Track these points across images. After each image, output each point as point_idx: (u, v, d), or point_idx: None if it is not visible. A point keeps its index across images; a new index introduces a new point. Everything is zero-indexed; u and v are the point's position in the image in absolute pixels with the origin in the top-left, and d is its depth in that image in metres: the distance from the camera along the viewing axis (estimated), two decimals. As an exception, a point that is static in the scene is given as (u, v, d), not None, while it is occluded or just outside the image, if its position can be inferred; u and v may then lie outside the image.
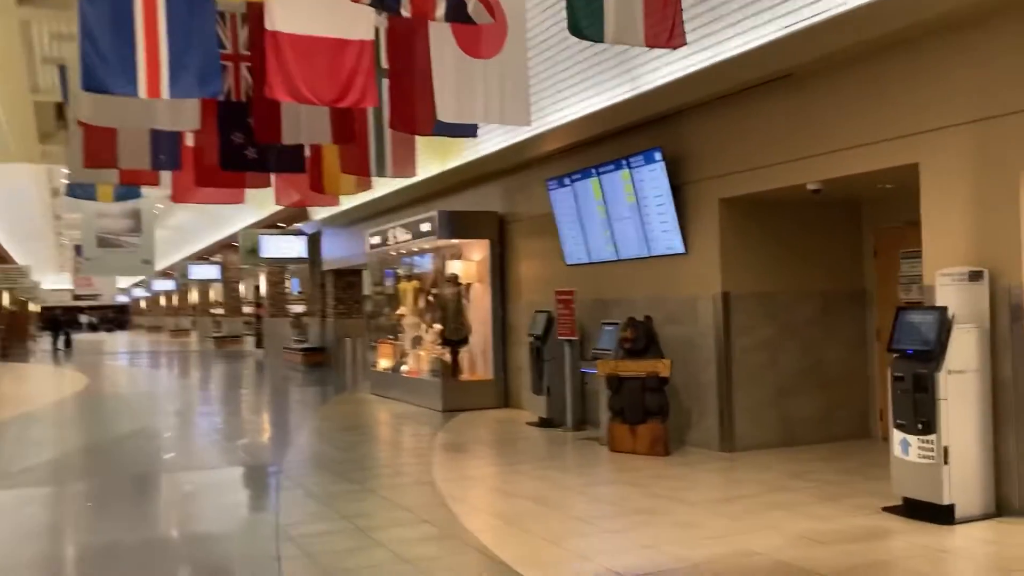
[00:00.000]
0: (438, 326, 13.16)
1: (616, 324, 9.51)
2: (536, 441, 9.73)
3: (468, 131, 7.77)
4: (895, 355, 6.07)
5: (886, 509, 6.07)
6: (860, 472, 7.44)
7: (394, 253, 14.87)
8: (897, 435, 5.99)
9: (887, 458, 8.01)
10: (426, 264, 14.48)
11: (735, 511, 6.19)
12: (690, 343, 8.90)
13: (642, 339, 8.67)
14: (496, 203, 12.83)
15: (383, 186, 13.79)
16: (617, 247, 9.87)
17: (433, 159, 12.67)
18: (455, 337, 12.57)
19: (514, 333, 12.50)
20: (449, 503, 6.75)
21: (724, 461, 8.15)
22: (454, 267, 13.09)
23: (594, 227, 10.19)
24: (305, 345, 23.48)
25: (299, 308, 31.69)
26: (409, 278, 15.10)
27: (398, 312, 15.30)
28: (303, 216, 21.74)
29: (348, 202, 15.42)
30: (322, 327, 22.96)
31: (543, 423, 10.67)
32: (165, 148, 7.93)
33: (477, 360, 13.17)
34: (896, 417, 5.99)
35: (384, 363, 15.58)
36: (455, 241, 13.02)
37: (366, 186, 9.74)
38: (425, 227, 12.84)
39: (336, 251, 21.12)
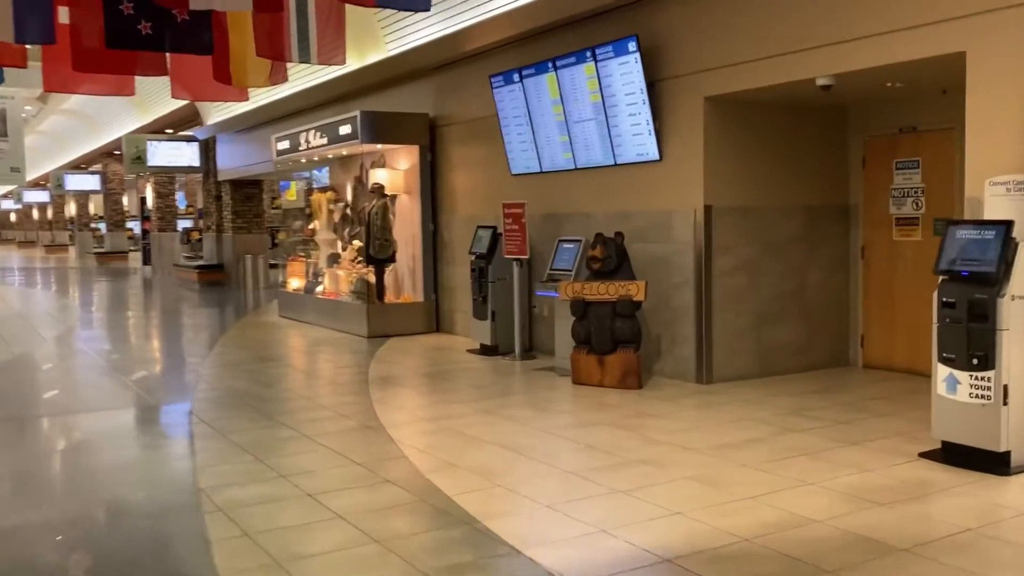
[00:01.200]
0: (358, 243, 11.81)
1: (576, 241, 8.44)
2: (484, 372, 8.64)
3: (420, 3, 6.34)
4: (943, 277, 5.19)
5: (923, 455, 5.27)
6: (863, 408, 6.66)
7: (305, 160, 13.32)
8: (942, 371, 5.13)
9: (882, 389, 7.38)
10: (343, 172, 13.00)
11: (755, 460, 5.26)
12: (662, 263, 7.90)
13: (613, 258, 7.61)
14: (426, 104, 11.41)
15: (290, 84, 12.15)
16: (575, 154, 8.71)
17: (351, 53, 11.10)
18: (381, 255, 11.24)
19: (447, 251, 11.27)
20: (408, 454, 5.62)
21: (705, 395, 7.26)
22: (378, 176, 11.68)
23: (548, 131, 8.97)
24: (200, 263, 21.67)
25: (188, 223, 29.53)
26: (323, 189, 13.60)
27: (310, 227, 13.83)
28: (195, 120, 19.68)
29: (249, 102, 13.66)
30: (218, 243, 21.13)
31: (485, 350, 9.59)
32: (33, 11, 6.23)
33: (404, 281, 11.93)
34: (942, 350, 5.13)
35: (295, 283, 14.15)
36: (379, 147, 11.61)
37: (280, 77, 8.19)
38: (345, 130, 11.36)
39: (233, 159, 19.22)
